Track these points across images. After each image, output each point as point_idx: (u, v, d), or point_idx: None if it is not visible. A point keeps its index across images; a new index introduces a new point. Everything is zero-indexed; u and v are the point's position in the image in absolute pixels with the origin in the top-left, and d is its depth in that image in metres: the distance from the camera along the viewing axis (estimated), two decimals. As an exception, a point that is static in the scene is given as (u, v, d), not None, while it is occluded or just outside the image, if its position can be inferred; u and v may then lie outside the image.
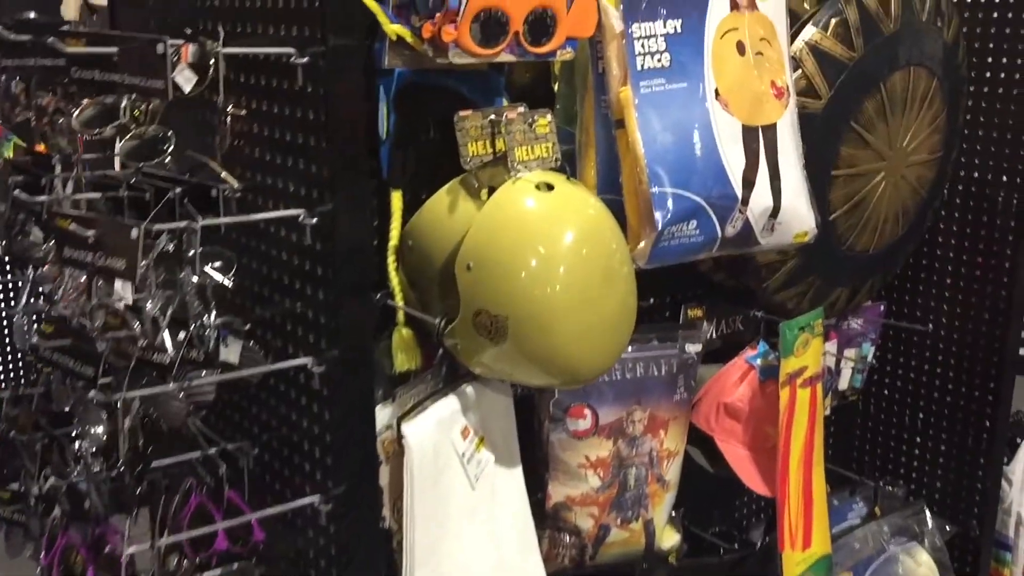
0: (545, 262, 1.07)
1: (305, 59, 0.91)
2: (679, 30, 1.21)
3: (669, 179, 1.18)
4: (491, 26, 1.09)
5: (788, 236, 1.30)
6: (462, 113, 1.13)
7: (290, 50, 0.91)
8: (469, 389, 1.19)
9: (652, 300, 1.44)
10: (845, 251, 1.54)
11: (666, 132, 1.19)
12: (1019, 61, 1.67)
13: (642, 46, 1.18)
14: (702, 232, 1.22)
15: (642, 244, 1.20)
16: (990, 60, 1.70)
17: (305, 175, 0.95)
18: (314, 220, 0.94)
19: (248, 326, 1.08)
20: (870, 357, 1.82)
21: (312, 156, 0.94)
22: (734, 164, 1.23)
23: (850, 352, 1.78)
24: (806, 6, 1.43)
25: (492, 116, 1.14)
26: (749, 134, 1.25)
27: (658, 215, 1.18)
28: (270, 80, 0.96)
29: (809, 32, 1.39)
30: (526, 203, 1.10)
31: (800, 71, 1.37)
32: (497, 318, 1.07)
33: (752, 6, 1.26)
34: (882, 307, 1.81)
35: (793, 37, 1.38)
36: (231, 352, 1.07)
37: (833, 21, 1.40)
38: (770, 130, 1.27)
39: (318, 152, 0.93)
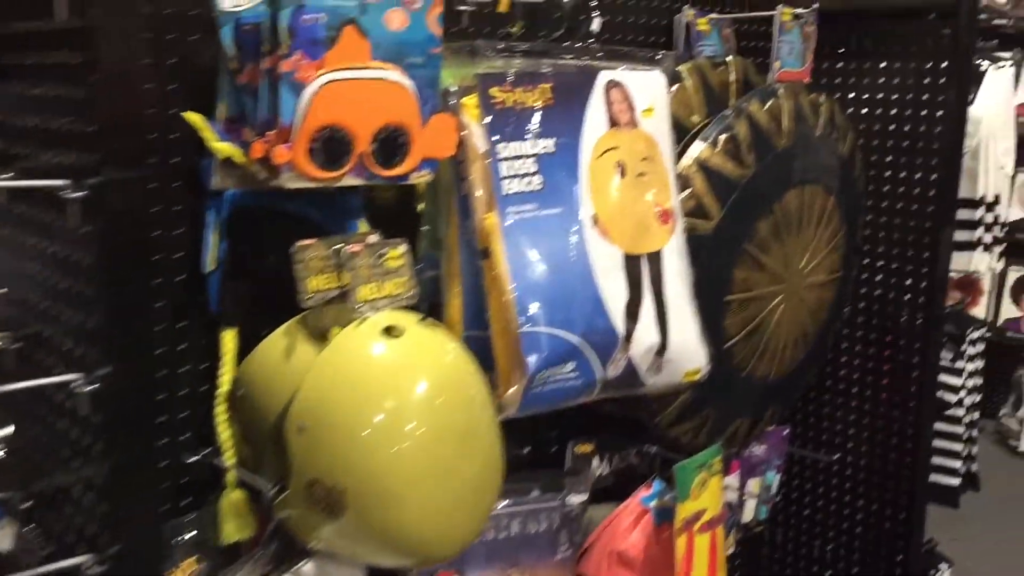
0: (390, 419, 0.91)
1: (81, 193, 0.74)
2: (552, 150, 1.08)
3: (542, 316, 1.04)
4: (332, 146, 0.95)
5: (678, 375, 1.17)
6: (301, 243, 0.98)
7: (61, 182, 0.74)
8: (308, 567, 1.01)
9: (528, 448, 1.28)
10: (743, 380, 1.41)
11: (538, 263, 1.06)
12: (917, 175, 1.61)
13: (509, 168, 1.06)
14: (580, 375, 1.08)
15: (512, 390, 1.05)
16: (888, 174, 1.63)
17: (83, 330, 0.78)
18: (91, 387, 0.76)
19: (30, 503, 0.89)
20: (775, 486, 1.70)
21: (91, 308, 0.77)
22: (615, 298, 1.10)
23: (753, 482, 1.65)
24: (695, 119, 1.33)
25: (339, 245, 0.99)
26: (632, 264, 1.12)
27: (530, 358, 1.04)
28: (44, 214, 0.79)
29: (697, 149, 1.29)
30: (369, 351, 0.94)
31: (689, 190, 1.26)
32: (333, 490, 0.90)
33: (633, 123, 1.15)
34: (786, 431, 1.69)
35: (680, 154, 1.28)
36: (4, 537, 0.87)
37: (722, 137, 1.30)
38: (655, 258, 1.15)
39: (97, 303, 0.76)
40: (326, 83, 0.92)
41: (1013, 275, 3.27)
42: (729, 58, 1.41)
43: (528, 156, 1.07)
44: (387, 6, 0.96)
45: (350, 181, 0.97)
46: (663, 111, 1.19)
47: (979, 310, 2.33)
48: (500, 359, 1.06)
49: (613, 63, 1.18)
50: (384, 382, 0.93)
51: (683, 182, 1.26)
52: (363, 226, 1.09)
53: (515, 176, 1.06)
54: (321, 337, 0.98)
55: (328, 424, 0.91)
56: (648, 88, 1.17)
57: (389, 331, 0.95)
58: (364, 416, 0.91)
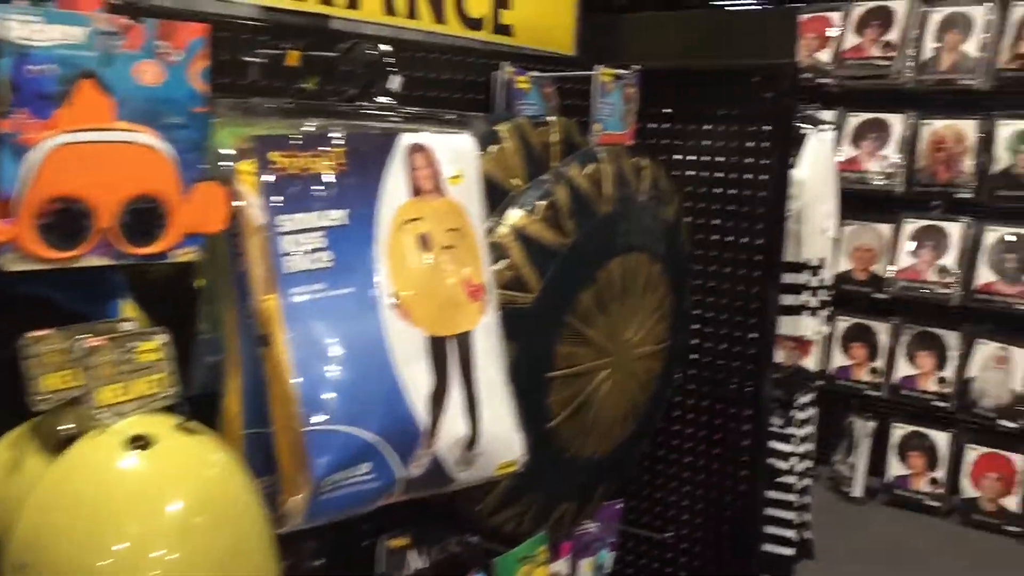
0: (133, 547, 0.76)
1: None
2: (344, 222, 0.96)
3: (331, 412, 0.91)
4: (67, 221, 0.80)
5: (490, 468, 1.06)
6: (32, 335, 0.82)
7: None
8: None
9: (324, 560, 1.14)
10: (568, 461, 1.32)
11: (327, 351, 0.93)
12: (743, 239, 1.58)
13: (293, 242, 0.93)
14: (378, 476, 0.95)
15: (296, 498, 0.91)
16: (714, 238, 1.59)
17: None
18: None
19: None
20: (609, 564, 1.61)
21: None
22: (418, 387, 0.98)
23: (586, 562, 1.55)
24: (515, 182, 1.24)
25: (80, 336, 0.83)
26: (437, 347, 1.01)
27: (317, 460, 0.90)
28: None
29: (514, 216, 1.20)
30: (108, 467, 0.78)
31: (506, 261, 1.17)
32: (59, 643, 0.74)
33: (438, 191, 1.04)
34: (618, 506, 1.61)
35: (499, 218, 1.18)
36: None
37: (541, 204, 1.21)
38: (464, 340, 1.04)
39: None
40: (57, 147, 0.78)
41: (842, 324, 3.36)
42: (551, 118, 1.33)
43: (315, 229, 0.94)
44: (137, 57, 0.82)
45: (91, 262, 0.82)
46: (473, 177, 1.09)
47: (810, 361, 2.35)
48: (283, 461, 0.92)
49: (419, 125, 1.08)
50: (127, 503, 0.77)
51: (499, 252, 1.16)
52: (128, 308, 0.93)
53: (300, 252, 0.93)
54: (59, 448, 0.82)
55: (54, 559, 0.75)
56: (456, 152, 1.07)
57: (136, 441, 0.80)
58: (100, 545, 0.75)
